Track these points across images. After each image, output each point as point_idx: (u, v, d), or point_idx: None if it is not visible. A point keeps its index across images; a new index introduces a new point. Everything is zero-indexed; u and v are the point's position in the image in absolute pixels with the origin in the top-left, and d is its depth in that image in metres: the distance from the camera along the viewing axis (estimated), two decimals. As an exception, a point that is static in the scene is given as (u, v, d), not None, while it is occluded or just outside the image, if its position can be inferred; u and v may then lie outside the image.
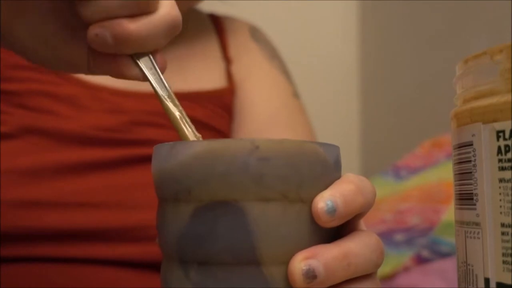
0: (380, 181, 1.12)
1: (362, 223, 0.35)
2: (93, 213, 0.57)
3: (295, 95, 0.74)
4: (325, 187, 0.31)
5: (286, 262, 0.30)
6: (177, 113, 0.36)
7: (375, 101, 1.53)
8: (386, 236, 0.94)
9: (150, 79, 0.37)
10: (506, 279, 0.29)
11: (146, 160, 0.61)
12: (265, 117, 0.69)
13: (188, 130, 0.36)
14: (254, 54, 0.74)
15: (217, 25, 0.75)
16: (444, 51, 1.25)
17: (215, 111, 0.67)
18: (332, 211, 0.29)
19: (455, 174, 0.34)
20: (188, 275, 0.31)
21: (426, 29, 1.33)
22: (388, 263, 0.89)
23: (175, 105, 0.36)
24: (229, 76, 0.71)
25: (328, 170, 0.32)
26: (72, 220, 0.57)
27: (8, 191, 0.55)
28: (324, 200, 0.29)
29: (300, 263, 0.28)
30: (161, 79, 0.37)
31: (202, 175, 0.30)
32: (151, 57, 0.37)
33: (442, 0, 1.25)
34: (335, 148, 0.33)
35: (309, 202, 0.31)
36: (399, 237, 0.92)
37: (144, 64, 0.37)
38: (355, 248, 0.30)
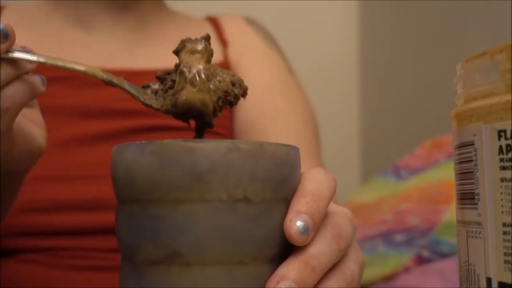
0: (380, 181, 1.12)
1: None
2: (101, 184, 0.59)
3: (290, 71, 0.76)
4: (279, 186, 0.31)
5: (230, 261, 0.30)
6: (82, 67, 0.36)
7: (375, 101, 1.53)
8: (386, 237, 0.94)
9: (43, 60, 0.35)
10: (508, 279, 0.29)
11: (151, 130, 0.64)
12: (261, 86, 0.71)
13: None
14: (249, 36, 0.77)
15: (212, 20, 0.79)
16: (444, 51, 1.25)
17: None
18: (305, 229, 0.31)
19: (456, 174, 0.34)
20: (134, 274, 0.31)
21: (426, 29, 1.33)
22: (388, 263, 0.89)
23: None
24: (225, 57, 0.74)
25: (284, 169, 0.32)
26: (82, 192, 0.59)
27: None
28: (294, 223, 0.31)
29: None
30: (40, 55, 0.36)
31: (146, 175, 0.30)
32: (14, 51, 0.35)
33: (442, 0, 1.25)
34: (293, 148, 0.33)
35: (260, 202, 0.31)
36: (399, 237, 0.92)
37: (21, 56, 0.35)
38: (312, 250, 0.31)
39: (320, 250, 0.31)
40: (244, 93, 0.36)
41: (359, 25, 1.59)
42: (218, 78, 0.35)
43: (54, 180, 0.60)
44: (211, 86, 0.34)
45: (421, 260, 0.86)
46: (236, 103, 0.36)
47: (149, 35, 0.73)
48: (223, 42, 0.75)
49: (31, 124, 0.41)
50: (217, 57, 0.73)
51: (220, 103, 0.35)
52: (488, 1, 1.10)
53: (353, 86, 1.58)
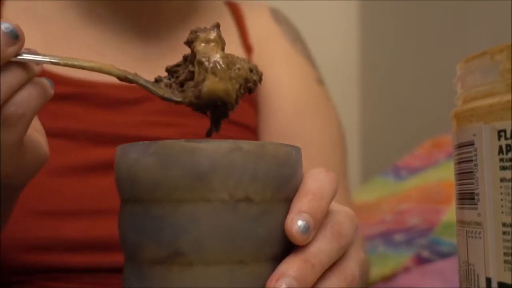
0: (380, 181, 1.12)
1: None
2: (114, 220, 0.56)
3: (319, 81, 0.72)
4: (280, 186, 0.31)
5: (231, 261, 0.30)
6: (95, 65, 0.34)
7: (375, 101, 1.53)
8: (386, 237, 0.94)
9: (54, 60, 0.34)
10: (508, 279, 0.29)
11: None
12: (291, 107, 0.67)
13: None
14: (277, 38, 0.71)
15: (235, 11, 0.71)
16: (444, 51, 1.25)
17: (240, 105, 0.63)
18: (306, 229, 0.31)
19: (456, 174, 0.34)
20: (136, 274, 0.31)
21: (426, 29, 1.33)
22: (388, 263, 0.89)
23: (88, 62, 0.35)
24: None
25: (285, 169, 0.32)
26: (94, 230, 0.55)
27: (25, 199, 0.52)
28: (295, 222, 0.31)
29: (275, 285, 0.30)
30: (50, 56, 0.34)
31: (148, 176, 0.31)
32: (24, 55, 0.33)
33: (442, 0, 1.25)
34: (295, 149, 0.33)
35: (261, 201, 0.31)
36: (399, 237, 0.92)
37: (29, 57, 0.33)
38: (312, 248, 0.31)
39: (320, 248, 0.31)
40: (260, 79, 0.36)
41: (359, 25, 1.59)
42: (238, 65, 0.35)
43: (65, 216, 0.55)
44: (232, 74, 0.34)
45: (420, 260, 0.86)
46: (254, 90, 0.36)
47: (173, 43, 0.65)
48: (247, 48, 0.69)
49: (35, 131, 0.39)
50: None
51: (241, 90, 0.35)
52: (488, 1, 1.10)
53: (353, 86, 1.58)
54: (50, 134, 0.56)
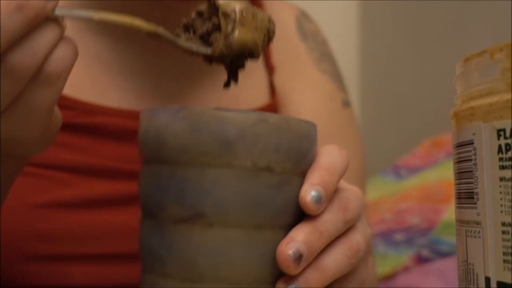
0: (380, 181, 1.12)
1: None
2: (119, 267, 0.51)
3: (345, 103, 0.67)
4: (299, 159, 0.33)
5: (249, 225, 0.32)
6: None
7: (375, 101, 1.53)
8: (385, 236, 0.94)
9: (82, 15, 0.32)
10: (507, 278, 0.29)
11: None
12: None
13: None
14: (300, 57, 0.65)
15: None
16: (444, 51, 1.25)
17: None
18: (319, 199, 0.33)
19: (455, 173, 0.34)
20: (157, 231, 0.32)
21: (426, 29, 1.33)
22: (387, 263, 0.89)
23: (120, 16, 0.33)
24: (272, 88, 0.62)
25: (305, 144, 0.33)
26: (99, 275, 0.51)
27: (17, 240, 0.49)
28: (309, 193, 0.33)
29: (286, 248, 0.32)
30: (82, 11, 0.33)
31: (177, 139, 0.32)
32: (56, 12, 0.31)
33: (442, 0, 1.25)
34: (313, 126, 0.35)
35: (281, 172, 0.32)
36: (399, 237, 0.92)
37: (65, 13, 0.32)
38: (320, 218, 0.33)
39: (327, 219, 0.33)
40: (275, 29, 0.37)
41: (359, 25, 1.59)
42: (260, 16, 0.35)
43: (66, 261, 0.50)
44: (257, 25, 0.35)
45: (420, 260, 0.86)
46: (272, 40, 0.36)
47: (207, 70, 0.57)
48: (270, 67, 0.62)
49: None
50: (264, 98, 0.61)
51: (265, 41, 0.36)
52: (488, 1, 1.10)
53: (353, 86, 1.58)
54: (52, 166, 0.51)
